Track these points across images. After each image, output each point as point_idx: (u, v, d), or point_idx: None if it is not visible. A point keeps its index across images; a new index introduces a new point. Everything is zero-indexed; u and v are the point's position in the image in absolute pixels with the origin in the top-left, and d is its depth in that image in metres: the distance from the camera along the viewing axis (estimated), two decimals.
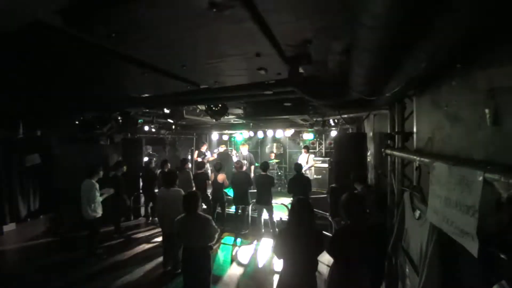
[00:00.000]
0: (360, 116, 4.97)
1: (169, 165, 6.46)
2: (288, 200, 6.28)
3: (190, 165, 6.98)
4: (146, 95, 4.07)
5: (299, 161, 7.89)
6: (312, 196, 6.38)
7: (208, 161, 8.02)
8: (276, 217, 5.59)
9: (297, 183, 5.38)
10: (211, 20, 1.61)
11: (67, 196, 5.52)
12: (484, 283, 1.11)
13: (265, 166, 5.66)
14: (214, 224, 2.97)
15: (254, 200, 5.95)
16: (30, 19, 1.61)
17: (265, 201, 5.46)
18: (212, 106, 4.65)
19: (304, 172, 7.63)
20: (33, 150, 5.54)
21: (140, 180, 6.70)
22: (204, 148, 8.63)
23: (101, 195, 4.64)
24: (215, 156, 8.86)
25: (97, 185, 4.57)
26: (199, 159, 7.89)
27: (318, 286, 2.41)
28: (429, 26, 1.10)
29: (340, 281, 2.30)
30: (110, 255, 4.77)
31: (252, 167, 8.21)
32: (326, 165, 8.17)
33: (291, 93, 3.44)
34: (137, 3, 1.44)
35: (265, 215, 5.61)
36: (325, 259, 2.39)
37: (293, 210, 2.42)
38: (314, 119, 5.91)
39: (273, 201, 5.66)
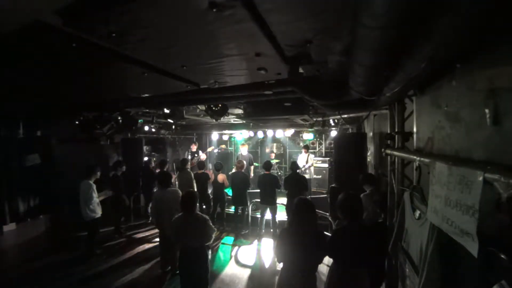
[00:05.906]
0: (360, 116, 4.97)
1: (168, 165, 6.42)
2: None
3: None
4: (146, 95, 4.07)
5: (299, 161, 7.90)
6: (312, 196, 6.40)
7: (199, 161, 7.84)
8: (279, 217, 5.59)
9: (293, 182, 5.33)
10: (211, 20, 1.61)
11: (67, 196, 5.52)
12: (484, 283, 1.11)
13: (267, 165, 5.60)
14: (211, 224, 2.97)
15: (255, 200, 5.94)
16: (30, 19, 1.61)
17: (269, 201, 5.40)
18: (212, 106, 4.65)
19: (304, 171, 7.66)
20: (33, 150, 5.54)
21: (140, 180, 6.70)
22: (194, 148, 8.51)
23: (98, 196, 4.63)
24: (204, 157, 8.65)
25: (94, 186, 4.56)
26: (188, 157, 7.77)
27: (317, 286, 2.41)
28: (429, 26, 1.11)
29: (339, 281, 2.30)
30: (110, 255, 4.77)
31: (252, 167, 8.18)
32: (326, 165, 8.17)
33: (291, 93, 3.44)
34: (137, 3, 1.44)
35: (267, 215, 5.57)
36: (325, 259, 2.38)
37: (295, 210, 2.41)
38: (314, 119, 5.91)
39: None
